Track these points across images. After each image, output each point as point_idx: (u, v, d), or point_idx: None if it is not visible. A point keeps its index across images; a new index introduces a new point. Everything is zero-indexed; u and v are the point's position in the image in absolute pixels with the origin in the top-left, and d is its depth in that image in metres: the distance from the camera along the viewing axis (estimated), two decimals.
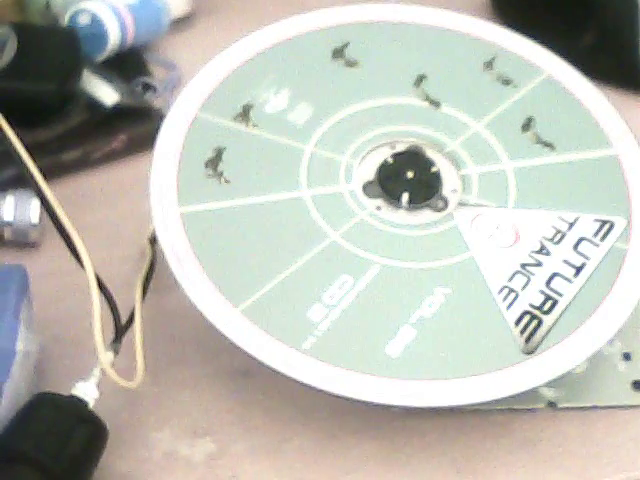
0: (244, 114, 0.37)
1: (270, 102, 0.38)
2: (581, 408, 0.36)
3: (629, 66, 0.52)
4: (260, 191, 0.36)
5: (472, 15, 0.42)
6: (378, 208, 0.36)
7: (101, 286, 0.35)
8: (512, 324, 0.33)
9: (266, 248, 0.34)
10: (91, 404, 0.33)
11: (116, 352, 0.34)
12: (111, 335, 0.35)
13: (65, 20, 0.52)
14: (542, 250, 0.35)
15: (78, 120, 0.46)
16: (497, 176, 0.37)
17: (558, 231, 0.36)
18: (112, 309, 0.35)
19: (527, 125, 0.38)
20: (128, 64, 0.53)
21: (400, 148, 0.37)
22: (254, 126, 0.37)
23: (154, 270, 0.39)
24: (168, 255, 0.34)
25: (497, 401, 0.32)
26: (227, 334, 0.32)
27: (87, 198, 0.45)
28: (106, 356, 0.34)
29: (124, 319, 0.36)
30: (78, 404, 0.32)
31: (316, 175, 0.36)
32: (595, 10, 0.53)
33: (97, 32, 0.51)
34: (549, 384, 0.33)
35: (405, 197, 0.36)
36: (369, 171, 0.37)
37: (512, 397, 0.32)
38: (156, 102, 0.50)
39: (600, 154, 0.38)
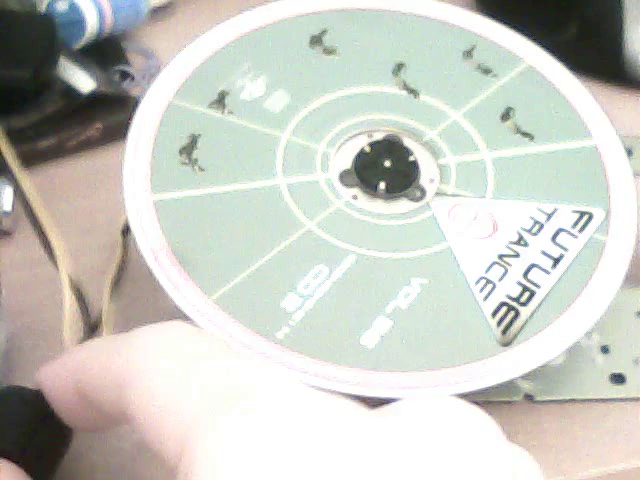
0: (220, 101, 0.37)
1: (246, 89, 0.37)
2: (558, 401, 0.35)
3: (612, 58, 0.52)
4: (235, 179, 0.35)
5: (454, 5, 0.42)
6: (354, 197, 0.35)
7: (73, 284, 0.34)
8: (489, 315, 0.33)
9: (240, 237, 0.34)
10: None
11: None
12: (81, 329, 0.35)
13: (43, 6, 0.51)
14: (520, 241, 0.35)
15: (53, 107, 0.45)
16: (475, 166, 0.37)
17: (536, 222, 0.35)
18: (82, 309, 0.35)
19: (506, 115, 0.38)
20: (106, 52, 0.52)
21: (377, 137, 0.37)
22: (230, 113, 0.37)
23: (125, 266, 0.38)
24: (140, 243, 0.33)
25: (473, 393, 0.32)
26: (200, 324, 0.32)
27: (61, 186, 0.44)
28: None
29: (95, 309, 0.35)
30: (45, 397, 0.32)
31: (292, 163, 0.36)
32: (579, 3, 0.53)
33: (75, 19, 0.50)
34: (526, 376, 0.33)
35: (382, 186, 0.36)
36: (346, 160, 0.36)
37: (489, 389, 0.32)
38: (133, 91, 0.49)
39: (579, 145, 0.38)
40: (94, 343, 0.27)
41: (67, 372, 0.27)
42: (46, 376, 0.28)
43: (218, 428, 0.20)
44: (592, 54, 0.52)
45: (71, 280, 0.34)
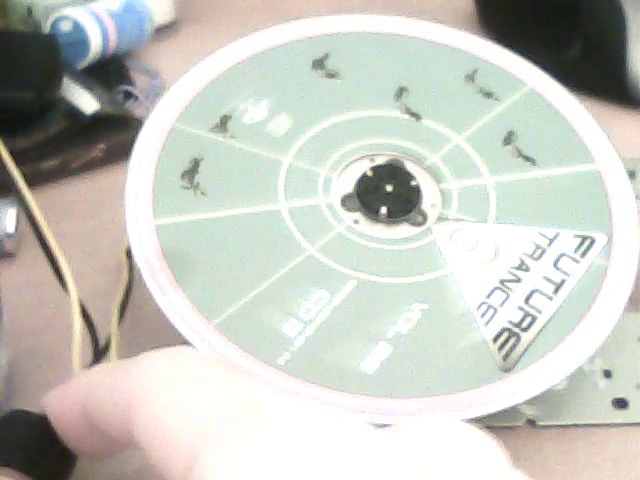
0: (222, 125, 0.37)
1: (249, 113, 0.37)
2: (561, 426, 0.35)
3: (616, 78, 0.52)
4: (237, 203, 0.35)
5: (458, 27, 0.42)
6: (356, 222, 0.35)
7: (83, 311, 0.34)
8: (490, 341, 0.33)
9: (242, 261, 0.34)
10: None
11: None
12: (88, 355, 0.35)
13: (47, 27, 0.51)
14: (522, 266, 0.35)
15: (57, 128, 0.45)
16: (477, 190, 0.37)
17: (538, 247, 0.35)
18: (91, 333, 0.35)
19: (508, 139, 0.38)
20: (110, 72, 0.52)
21: (380, 161, 0.37)
22: (232, 137, 0.37)
23: (131, 291, 0.38)
24: (142, 268, 0.33)
25: (475, 419, 0.32)
26: (201, 349, 0.32)
27: (65, 207, 0.44)
28: None
29: (101, 332, 0.35)
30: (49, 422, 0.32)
31: (294, 187, 0.36)
32: (582, 22, 0.53)
33: (79, 39, 0.51)
34: (528, 401, 0.33)
35: (383, 211, 0.35)
36: (348, 184, 0.36)
37: (490, 415, 0.32)
38: (137, 111, 0.49)
39: (582, 169, 0.38)
40: (100, 367, 0.27)
41: (73, 397, 0.27)
42: (52, 401, 0.28)
43: (225, 448, 0.20)
44: (595, 74, 0.52)
45: (81, 304, 0.34)
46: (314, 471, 0.20)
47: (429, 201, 0.36)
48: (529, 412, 0.35)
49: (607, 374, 0.36)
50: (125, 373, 0.24)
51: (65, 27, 0.51)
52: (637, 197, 0.39)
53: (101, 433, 0.26)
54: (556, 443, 0.35)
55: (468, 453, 0.21)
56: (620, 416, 0.35)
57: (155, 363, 0.24)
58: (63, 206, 0.44)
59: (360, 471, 0.20)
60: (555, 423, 0.35)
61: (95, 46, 0.51)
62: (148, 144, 0.36)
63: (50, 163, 0.45)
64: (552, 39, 0.54)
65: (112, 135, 0.46)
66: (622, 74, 0.51)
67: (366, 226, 0.35)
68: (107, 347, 0.35)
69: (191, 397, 0.22)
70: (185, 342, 0.32)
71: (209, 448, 0.21)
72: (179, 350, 0.24)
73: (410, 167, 0.37)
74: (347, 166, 0.37)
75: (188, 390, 0.22)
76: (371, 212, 0.36)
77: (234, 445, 0.20)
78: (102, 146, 0.46)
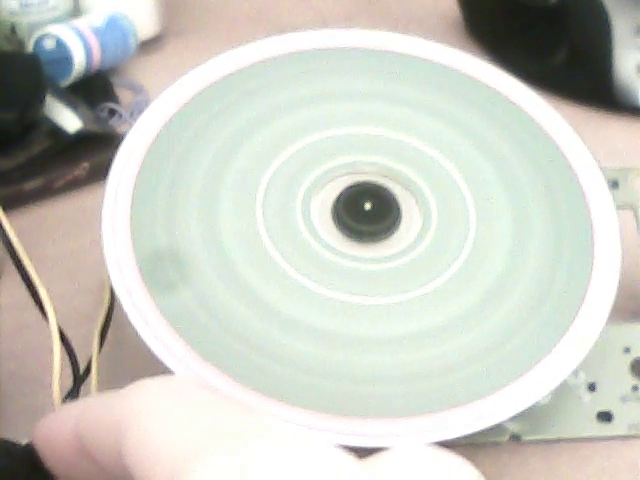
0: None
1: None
2: (545, 441, 0.35)
3: (602, 83, 0.52)
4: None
5: (444, 34, 0.42)
6: (335, 240, 0.35)
7: (62, 337, 0.34)
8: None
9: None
10: None
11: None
12: (69, 381, 0.35)
13: (30, 45, 0.51)
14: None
15: (40, 148, 0.45)
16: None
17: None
18: (71, 361, 0.34)
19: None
20: (94, 88, 0.52)
21: (360, 179, 0.37)
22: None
23: (113, 313, 0.38)
24: (120, 294, 0.33)
25: (459, 436, 0.31)
26: (180, 374, 0.32)
27: (48, 228, 0.44)
28: None
29: (82, 353, 0.35)
30: (32, 453, 0.31)
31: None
32: (568, 28, 0.52)
33: (62, 56, 0.51)
34: (513, 417, 0.33)
35: (363, 229, 0.35)
36: (327, 202, 0.36)
37: (475, 432, 0.32)
38: (121, 128, 0.49)
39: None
40: (94, 396, 0.27)
41: (66, 421, 0.27)
42: (44, 426, 0.28)
43: (209, 462, 0.21)
44: (582, 80, 0.52)
45: (60, 332, 0.34)
46: None
47: (409, 219, 0.36)
48: (513, 427, 0.35)
49: (591, 387, 0.36)
50: (118, 398, 0.24)
51: (48, 45, 0.51)
52: (619, 207, 0.39)
53: (92, 461, 0.26)
54: (540, 458, 0.35)
55: None
56: (604, 429, 0.35)
57: (148, 388, 0.24)
58: (46, 226, 0.44)
59: None
60: (539, 438, 0.35)
61: (79, 63, 0.51)
62: (127, 161, 0.36)
63: (33, 183, 0.45)
64: (538, 46, 0.54)
65: (95, 153, 0.46)
66: (608, 79, 0.51)
67: (345, 245, 0.35)
68: (88, 370, 0.35)
69: (180, 420, 0.23)
70: (164, 366, 0.32)
71: (192, 463, 0.21)
72: (172, 378, 0.25)
73: (390, 185, 0.36)
74: (327, 183, 0.36)
75: (177, 414, 0.23)
76: (350, 231, 0.35)
77: (218, 460, 0.21)
78: (85, 165, 0.46)
